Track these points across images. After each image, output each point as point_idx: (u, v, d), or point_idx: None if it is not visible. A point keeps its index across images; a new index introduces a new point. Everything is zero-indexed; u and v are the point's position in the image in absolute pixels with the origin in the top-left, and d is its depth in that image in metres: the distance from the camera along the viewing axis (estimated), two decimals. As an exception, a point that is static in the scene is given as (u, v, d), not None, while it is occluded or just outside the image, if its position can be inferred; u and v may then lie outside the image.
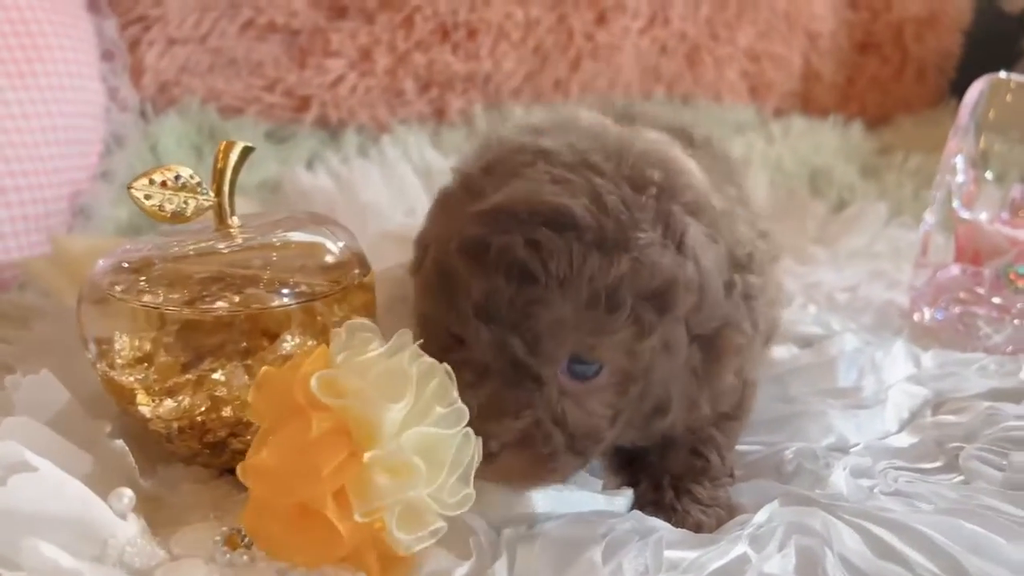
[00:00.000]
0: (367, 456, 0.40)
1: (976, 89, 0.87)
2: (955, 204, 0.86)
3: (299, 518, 0.40)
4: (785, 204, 1.16)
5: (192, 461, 0.55)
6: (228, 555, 0.42)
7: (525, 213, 0.44)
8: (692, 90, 1.30)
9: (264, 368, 0.47)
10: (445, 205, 0.52)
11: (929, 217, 0.87)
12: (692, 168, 0.51)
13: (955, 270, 0.84)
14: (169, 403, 0.53)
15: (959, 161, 0.86)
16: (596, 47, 1.20)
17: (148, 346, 0.54)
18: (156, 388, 0.53)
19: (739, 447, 0.58)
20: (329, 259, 0.58)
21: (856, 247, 1.04)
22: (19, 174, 0.81)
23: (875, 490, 0.53)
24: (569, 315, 0.43)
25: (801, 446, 0.57)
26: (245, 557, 0.42)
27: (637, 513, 0.49)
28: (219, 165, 0.58)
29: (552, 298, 0.43)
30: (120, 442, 0.52)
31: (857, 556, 0.44)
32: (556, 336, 0.44)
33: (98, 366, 0.54)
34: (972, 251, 0.84)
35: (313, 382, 0.41)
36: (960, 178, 0.87)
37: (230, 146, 0.58)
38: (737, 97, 1.34)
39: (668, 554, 0.44)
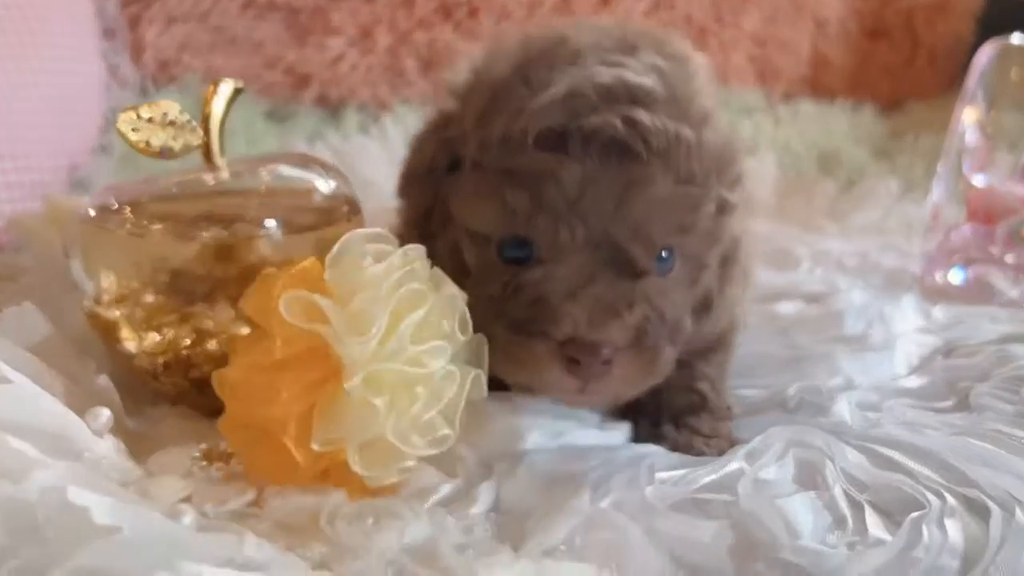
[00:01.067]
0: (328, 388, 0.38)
1: (985, 54, 0.86)
2: (965, 168, 0.84)
3: (263, 437, 0.38)
4: (794, 183, 1.14)
5: (179, 401, 0.54)
6: (204, 469, 0.40)
7: (607, 91, 0.41)
8: (698, 74, 1.29)
9: (266, 270, 0.45)
10: (478, 105, 0.46)
11: (938, 185, 0.85)
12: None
13: (967, 230, 0.82)
14: (154, 336, 0.52)
15: (969, 126, 0.84)
16: (600, 29, 1.19)
17: (135, 283, 0.53)
18: (141, 323, 0.52)
19: (742, 390, 0.57)
20: (318, 197, 0.57)
21: (867, 222, 1.03)
22: (17, 140, 0.81)
23: (883, 421, 0.51)
24: (668, 193, 0.41)
25: (804, 383, 0.55)
26: (221, 473, 0.40)
27: (633, 444, 0.48)
28: (207, 103, 0.57)
29: (655, 175, 0.41)
30: (104, 377, 0.51)
31: (859, 469, 0.42)
32: (659, 217, 0.42)
33: (84, 303, 0.53)
34: (983, 213, 0.82)
35: (282, 303, 0.39)
36: (971, 142, 0.85)
37: (217, 83, 0.57)
38: (744, 81, 1.32)
39: (660, 475, 0.42)
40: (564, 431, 0.47)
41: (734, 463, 0.42)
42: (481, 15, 1.11)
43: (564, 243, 0.42)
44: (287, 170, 0.59)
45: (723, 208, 0.45)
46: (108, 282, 0.52)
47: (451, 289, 0.44)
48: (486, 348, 0.44)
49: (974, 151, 0.85)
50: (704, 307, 0.47)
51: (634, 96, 0.41)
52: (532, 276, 0.42)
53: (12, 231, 0.73)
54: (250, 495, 0.39)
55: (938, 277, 0.80)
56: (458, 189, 0.46)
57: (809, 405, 0.52)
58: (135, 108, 0.54)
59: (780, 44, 1.34)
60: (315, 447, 0.39)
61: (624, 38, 0.46)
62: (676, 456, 0.46)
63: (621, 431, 0.49)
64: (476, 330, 0.44)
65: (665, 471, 0.43)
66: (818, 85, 1.39)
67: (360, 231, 0.45)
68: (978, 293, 0.77)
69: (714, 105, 0.47)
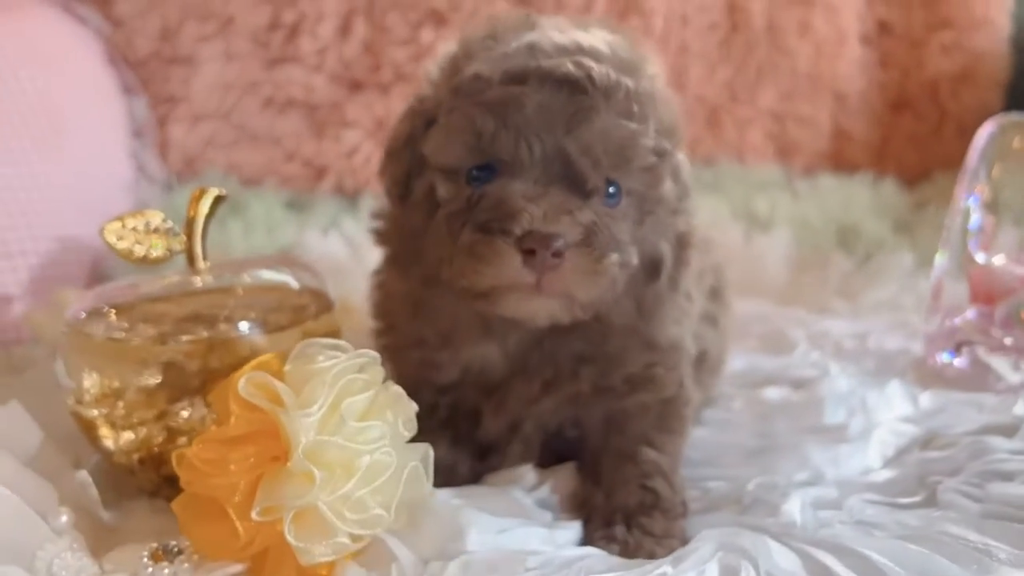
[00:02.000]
0: (274, 464, 0.40)
1: (986, 131, 0.86)
2: (970, 246, 0.83)
3: (211, 511, 0.40)
4: (809, 259, 1.14)
5: (156, 495, 0.56)
6: (151, 568, 0.42)
7: (561, 47, 0.51)
8: (713, 152, 1.30)
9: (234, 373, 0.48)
10: (452, 60, 0.55)
11: (940, 261, 0.84)
12: None
13: (969, 314, 0.80)
14: (128, 435, 0.55)
15: (973, 203, 0.84)
16: (612, 112, 1.22)
17: (114, 384, 0.56)
18: (118, 422, 0.55)
19: (706, 482, 0.57)
20: (291, 297, 0.60)
21: (880, 299, 1.01)
22: (40, 239, 0.86)
23: (835, 521, 0.50)
24: (611, 123, 0.49)
25: (763, 479, 0.55)
26: (167, 571, 0.42)
27: (574, 546, 0.48)
28: (191, 211, 0.60)
29: (599, 105, 0.49)
30: (84, 472, 0.54)
31: (786, 575, 0.41)
32: (602, 141, 0.49)
33: (68, 402, 0.56)
34: (985, 293, 0.81)
35: (241, 382, 0.42)
36: (975, 221, 0.84)
37: (202, 192, 0.61)
38: (762, 158, 1.33)
39: (592, 578, 0.42)
40: (507, 528, 0.48)
41: (662, 566, 0.42)
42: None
43: (523, 158, 0.49)
44: (265, 272, 0.62)
45: (661, 153, 0.52)
46: (88, 383, 0.55)
47: (399, 391, 0.46)
48: (431, 457, 0.46)
49: (978, 229, 0.84)
50: (653, 270, 0.54)
51: (583, 50, 0.51)
52: (495, 187, 0.49)
53: (25, 326, 0.78)
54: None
55: (939, 359, 0.79)
56: (431, 137, 0.53)
57: (763, 503, 0.52)
58: (121, 218, 0.58)
59: (799, 120, 1.34)
60: (254, 515, 0.41)
61: (582, 22, 0.56)
62: (615, 559, 0.46)
63: (570, 531, 0.50)
64: (441, 247, 0.50)
65: (600, 575, 0.43)
66: (840, 159, 1.39)
67: (319, 340, 0.47)
68: (978, 377, 0.75)
69: (657, 74, 0.56)
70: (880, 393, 0.68)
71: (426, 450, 0.47)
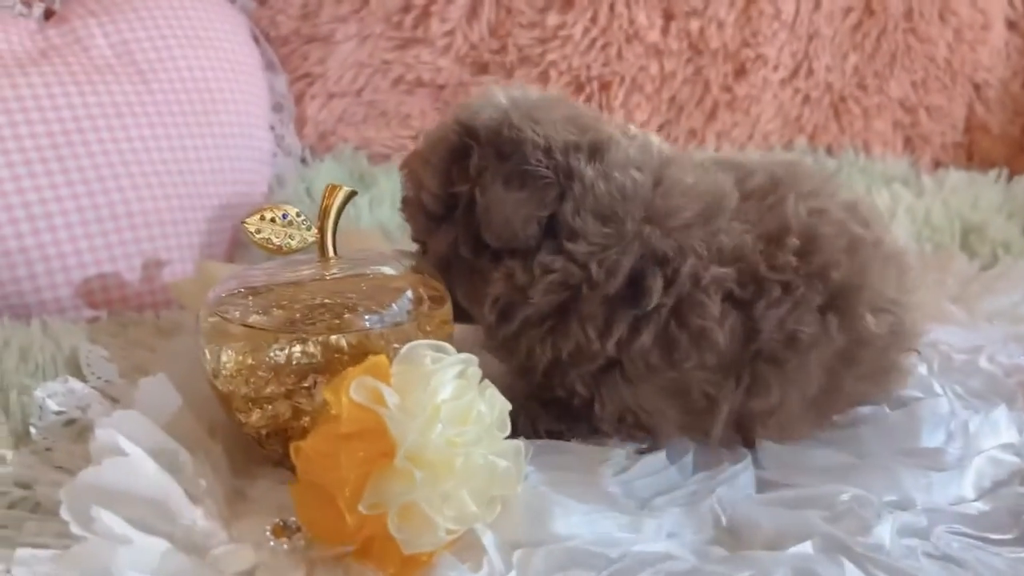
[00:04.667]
0: (380, 462, 0.45)
1: None
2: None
3: (324, 499, 0.46)
4: (928, 260, 1.11)
5: (280, 464, 0.63)
6: (272, 542, 0.48)
7: None
8: (837, 140, 1.27)
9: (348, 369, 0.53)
10: None
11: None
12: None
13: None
14: (257, 411, 0.61)
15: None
16: (734, 98, 1.22)
17: (250, 361, 0.62)
18: (249, 398, 0.61)
19: (794, 485, 0.59)
20: (409, 293, 0.64)
21: (1000, 308, 0.98)
22: (188, 209, 0.94)
23: (920, 552, 0.51)
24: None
25: (859, 492, 0.56)
26: (286, 546, 0.48)
27: (659, 540, 0.51)
28: (324, 205, 0.65)
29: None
30: (217, 441, 0.60)
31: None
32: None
33: (208, 375, 0.63)
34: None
35: (353, 385, 0.47)
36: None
37: (335, 189, 0.66)
38: (889, 148, 1.30)
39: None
40: (591, 514, 0.51)
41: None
42: (612, 88, 1.17)
43: None
44: (386, 267, 0.66)
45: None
46: (224, 359, 0.61)
47: (494, 392, 0.50)
48: (523, 454, 0.50)
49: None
50: None
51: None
52: None
53: (171, 293, 0.86)
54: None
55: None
56: None
57: (855, 517, 0.53)
58: (260, 210, 0.64)
59: (931, 110, 1.30)
60: (362, 509, 0.46)
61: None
62: (697, 561, 0.49)
63: (654, 522, 0.53)
64: None
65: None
66: (975, 152, 1.34)
67: (424, 342, 0.52)
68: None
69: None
70: (984, 418, 0.67)
71: (517, 447, 0.51)
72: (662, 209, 0.60)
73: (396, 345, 0.64)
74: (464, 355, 0.50)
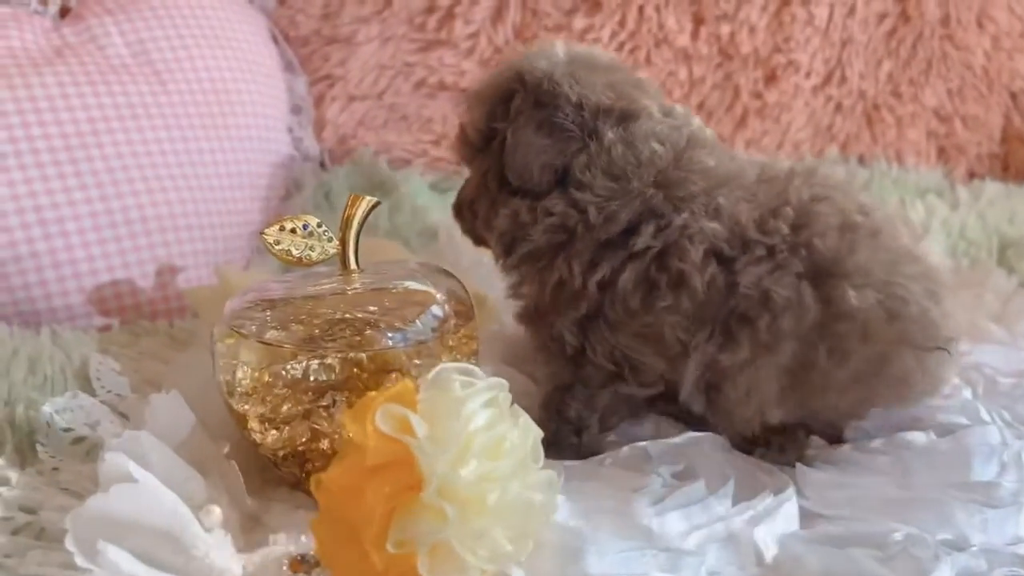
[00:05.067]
0: (408, 496, 0.42)
1: None
2: None
3: (349, 535, 0.43)
4: (965, 275, 1.07)
5: (296, 487, 0.60)
6: (289, 576, 0.45)
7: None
8: (870, 150, 1.24)
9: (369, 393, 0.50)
10: None
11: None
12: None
13: None
14: (274, 432, 0.58)
15: None
16: (764, 105, 1.18)
17: (267, 378, 0.59)
18: (265, 419, 0.58)
19: (841, 518, 0.55)
20: (435, 309, 0.61)
21: (1043, 327, 0.95)
22: (203, 214, 0.92)
23: (980, 598, 0.48)
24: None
25: (912, 531, 0.53)
26: (304, 583, 0.45)
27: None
28: (346, 215, 0.63)
29: None
30: (233, 463, 0.57)
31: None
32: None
33: (223, 392, 0.60)
34: None
35: (378, 414, 0.44)
36: None
37: (357, 199, 0.63)
38: (923, 159, 1.26)
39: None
40: (626, 551, 0.48)
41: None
42: (640, 94, 1.13)
43: None
44: (411, 282, 0.63)
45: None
46: (240, 376, 0.59)
47: (526, 420, 0.47)
48: (557, 484, 0.47)
49: None
50: None
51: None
52: None
53: (186, 301, 0.83)
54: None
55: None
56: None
57: (910, 558, 0.50)
58: (280, 220, 0.61)
59: (966, 119, 1.26)
60: (389, 548, 0.43)
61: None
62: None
63: (693, 558, 0.50)
64: None
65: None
66: (1012, 164, 1.29)
67: (453, 365, 0.49)
68: None
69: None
70: (1039, 448, 0.63)
71: (551, 479, 0.48)
72: (673, 179, 0.64)
73: (417, 362, 0.62)
74: (495, 379, 0.47)
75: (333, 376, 0.59)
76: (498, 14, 1.11)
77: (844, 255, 0.61)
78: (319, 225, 0.62)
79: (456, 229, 1.02)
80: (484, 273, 0.97)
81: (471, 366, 0.49)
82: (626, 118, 0.66)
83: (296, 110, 1.10)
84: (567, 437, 0.67)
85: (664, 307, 0.62)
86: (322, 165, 1.10)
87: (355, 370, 0.59)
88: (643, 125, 0.65)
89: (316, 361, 0.59)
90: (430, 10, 1.10)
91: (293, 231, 0.61)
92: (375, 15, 1.10)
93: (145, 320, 0.85)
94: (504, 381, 0.47)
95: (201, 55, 0.97)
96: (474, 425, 0.43)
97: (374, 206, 0.63)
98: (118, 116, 0.88)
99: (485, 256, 1.00)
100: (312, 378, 0.59)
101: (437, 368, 0.47)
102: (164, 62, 0.94)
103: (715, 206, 0.63)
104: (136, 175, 0.87)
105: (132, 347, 0.76)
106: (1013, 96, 1.28)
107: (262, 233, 0.61)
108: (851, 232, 0.62)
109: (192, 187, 0.91)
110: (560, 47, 0.69)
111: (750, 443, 0.66)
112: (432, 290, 0.63)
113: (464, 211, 0.75)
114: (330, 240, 0.62)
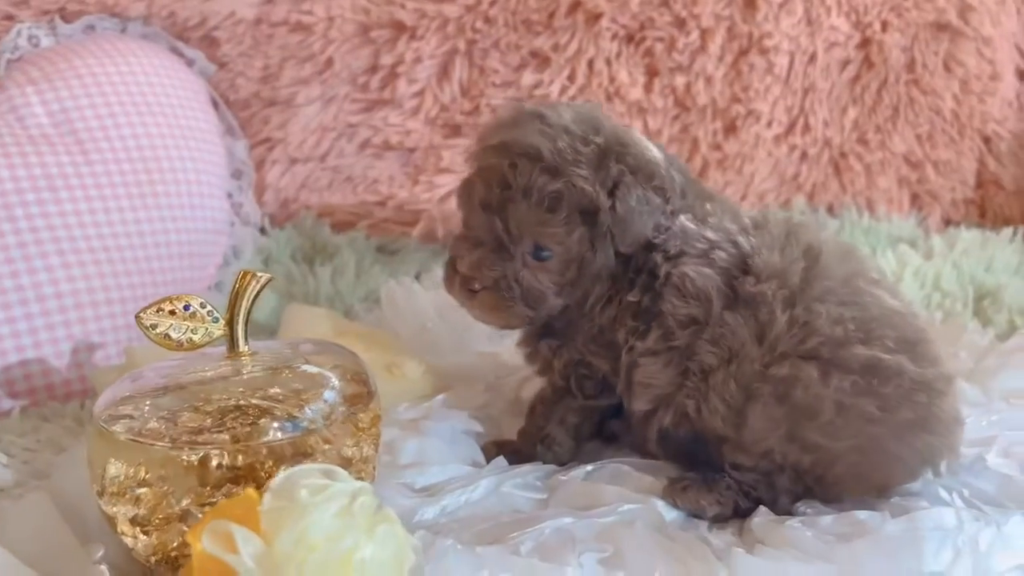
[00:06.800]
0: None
1: None
2: None
3: None
4: (939, 330, 1.01)
5: (174, 592, 0.54)
6: None
7: (513, 147, 0.66)
8: (839, 199, 1.19)
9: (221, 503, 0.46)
10: (473, 149, 0.71)
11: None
12: (645, 145, 0.68)
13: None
14: (144, 537, 0.53)
15: None
16: (724, 156, 1.14)
17: (143, 474, 0.54)
18: (135, 522, 0.53)
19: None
20: (327, 395, 0.57)
21: (1018, 385, 0.89)
22: (126, 287, 0.88)
23: None
24: (527, 211, 0.65)
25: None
26: None
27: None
28: (234, 292, 0.58)
29: (518, 199, 0.65)
30: (103, 568, 0.52)
31: None
32: (519, 223, 0.65)
33: (95, 493, 0.55)
34: None
35: (205, 530, 0.39)
36: None
37: (247, 275, 0.58)
38: (896, 206, 1.21)
39: None
40: None
41: None
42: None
43: (474, 223, 0.68)
44: (306, 366, 0.59)
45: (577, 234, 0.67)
46: (111, 475, 0.54)
47: (389, 530, 0.42)
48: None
49: None
50: (585, 297, 0.69)
51: (523, 152, 0.65)
52: (463, 234, 0.69)
53: (92, 382, 0.78)
54: None
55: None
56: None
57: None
58: (159, 302, 0.57)
59: (938, 165, 1.22)
60: None
61: (589, 120, 0.68)
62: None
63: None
64: None
65: None
66: (988, 209, 1.25)
67: (309, 467, 0.44)
68: None
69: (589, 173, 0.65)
70: (997, 532, 0.58)
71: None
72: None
73: (327, 447, 0.57)
74: (356, 484, 0.42)
75: (237, 470, 0.54)
76: (444, 72, 1.09)
77: (812, 273, 0.65)
78: (203, 305, 0.58)
79: (399, 294, 0.99)
80: (428, 340, 0.93)
81: (333, 468, 0.44)
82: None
83: (237, 174, 1.06)
84: (543, 455, 0.72)
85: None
86: (262, 230, 1.07)
87: (261, 460, 0.54)
88: None
89: (215, 452, 0.54)
90: (372, 70, 1.07)
91: (172, 312, 0.57)
92: (315, 76, 1.07)
93: (58, 402, 0.80)
94: (367, 485, 0.42)
95: (129, 123, 0.94)
96: (312, 539, 0.38)
97: (266, 283, 0.59)
98: (33, 188, 0.84)
99: (428, 322, 0.96)
100: (214, 463, 0.54)
101: (287, 473, 0.42)
102: (88, 131, 0.91)
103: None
104: (51, 249, 0.83)
105: (31, 435, 0.72)
106: (986, 140, 1.24)
107: (137, 316, 0.56)
108: (819, 256, 0.66)
109: (114, 259, 0.87)
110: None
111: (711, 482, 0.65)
112: (327, 372, 0.58)
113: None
114: (216, 321, 0.58)
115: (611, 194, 0.65)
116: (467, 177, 0.69)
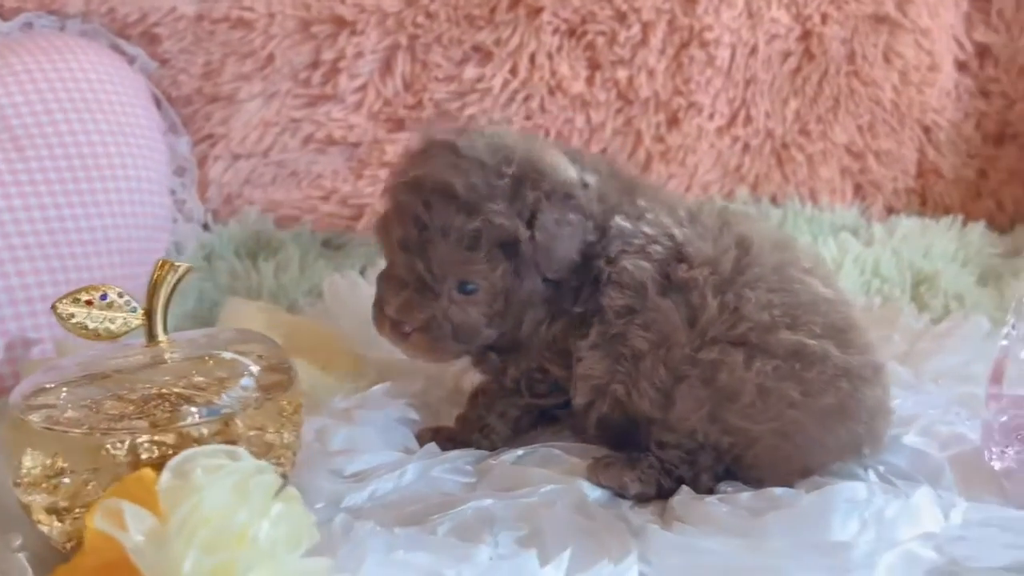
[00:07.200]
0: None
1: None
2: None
3: None
4: (875, 314, 1.03)
5: (93, 581, 0.55)
6: None
7: (426, 185, 0.65)
8: (782, 189, 1.21)
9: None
10: (388, 184, 0.71)
11: (1009, 331, 0.73)
12: (558, 164, 0.68)
13: (1035, 400, 0.70)
14: (59, 525, 0.53)
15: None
16: (667, 148, 1.16)
17: (53, 470, 0.54)
18: (52, 510, 0.53)
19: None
20: (246, 380, 0.58)
21: (949, 366, 0.91)
22: (62, 283, 0.87)
23: None
24: (447, 251, 0.65)
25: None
26: None
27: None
28: (152, 281, 0.59)
29: (436, 239, 0.65)
30: (21, 556, 0.53)
31: None
32: (441, 263, 0.65)
33: (12, 483, 0.55)
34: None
35: (98, 509, 0.39)
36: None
37: (165, 264, 0.59)
38: (839, 196, 1.23)
39: None
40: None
41: None
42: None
43: (396, 264, 0.68)
44: (224, 352, 0.60)
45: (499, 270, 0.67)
46: (27, 465, 0.54)
47: (290, 507, 0.42)
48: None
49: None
50: (518, 323, 0.69)
51: (437, 189, 0.65)
52: (387, 273, 0.69)
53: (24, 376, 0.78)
54: None
55: (993, 458, 0.69)
56: None
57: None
58: (75, 292, 0.57)
59: (879, 155, 1.23)
60: None
61: (499, 149, 0.67)
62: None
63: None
64: None
65: None
66: (929, 198, 1.27)
67: (211, 447, 0.44)
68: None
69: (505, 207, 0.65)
70: (904, 504, 0.59)
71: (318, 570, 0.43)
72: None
73: (251, 433, 0.58)
74: (258, 464, 0.42)
75: (168, 454, 0.54)
76: (386, 66, 1.09)
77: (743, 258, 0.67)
78: (120, 295, 0.58)
79: (342, 287, 0.99)
80: (371, 333, 0.93)
81: (236, 449, 0.44)
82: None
83: (180, 171, 1.06)
84: (478, 442, 0.73)
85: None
86: (205, 226, 1.07)
87: (195, 444, 0.55)
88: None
89: (144, 439, 0.54)
90: (314, 65, 1.07)
91: (89, 302, 0.57)
92: (257, 72, 1.07)
93: (-8, 398, 0.80)
94: (267, 464, 0.43)
95: (67, 120, 0.93)
96: (204, 513, 0.39)
97: (184, 272, 0.59)
98: (-35, 186, 0.84)
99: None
100: (143, 457, 0.54)
101: (185, 453, 0.43)
102: (24, 128, 0.90)
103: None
104: (-16, 247, 0.83)
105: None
106: (926, 130, 1.26)
107: (53, 306, 0.57)
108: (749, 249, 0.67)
109: (50, 256, 0.87)
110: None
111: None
112: (244, 360, 0.59)
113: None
114: (134, 311, 0.58)
115: (530, 224, 0.65)
116: (383, 213, 0.69)
